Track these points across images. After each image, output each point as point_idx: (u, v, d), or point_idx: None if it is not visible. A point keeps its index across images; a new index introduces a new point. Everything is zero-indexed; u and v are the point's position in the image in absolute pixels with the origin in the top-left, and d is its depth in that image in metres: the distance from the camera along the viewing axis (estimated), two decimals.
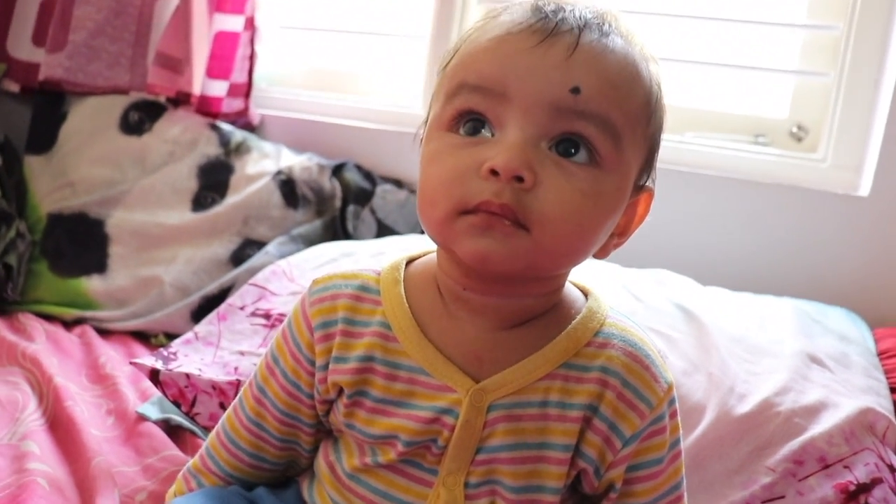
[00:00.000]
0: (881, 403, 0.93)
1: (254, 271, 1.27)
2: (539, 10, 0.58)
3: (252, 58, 1.59)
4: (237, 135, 1.53)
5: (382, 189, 1.50)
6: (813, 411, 0.87)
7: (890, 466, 0.84)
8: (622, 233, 0.63)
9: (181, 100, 1.55)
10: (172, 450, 0.92)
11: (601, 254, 0.62)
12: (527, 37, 0.56)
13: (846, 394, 0.92)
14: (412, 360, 0.61)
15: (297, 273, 1.16)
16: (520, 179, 0.54)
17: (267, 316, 1.09)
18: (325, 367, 0.64)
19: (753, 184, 1.39)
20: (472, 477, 0.61)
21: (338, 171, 1.50)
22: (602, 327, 0.62)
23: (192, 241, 1.41)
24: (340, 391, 0.63)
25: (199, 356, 1.04)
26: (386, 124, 1.60)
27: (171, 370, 0.99)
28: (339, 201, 1.47)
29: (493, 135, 0.56)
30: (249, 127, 1.63)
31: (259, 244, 1.41)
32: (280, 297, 1.11)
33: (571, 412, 0.60)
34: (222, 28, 1.55)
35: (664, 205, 1.42)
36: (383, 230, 1.46)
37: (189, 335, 1.09)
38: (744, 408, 0.87)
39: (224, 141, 1.51)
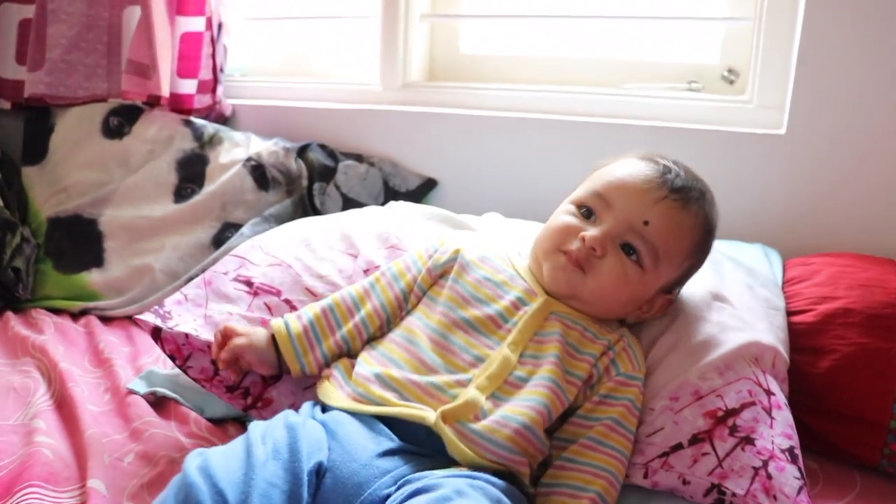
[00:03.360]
0: (774, 332, 1.05)
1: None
2: (656, 164, 0.98)
3: (214, 55, 1.72)
4: (209, 128, 1.67)
5: (344, 165, 1.63)
6: (693, 352, 0.99)
7: (767, 391, 0.95)
8: (646, 312, 1.00)
9: (153, 102, 1.69)
10: (152, 416, 1.08)
11: (630, 318, 1.01)
12: (640, 182, 0.96)
13: (738, 328, 1.02)
14: (518, 273, 1.00)
15: (272, 247, 1.22)
16: (594, 250, 0.93)
17: (249, 283, 1.14)
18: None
19: (687, 131, 1.47)
20: (528, 350, 0.92)
21: (302, 152, 1.63)
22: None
23: (176, 230, 1.55)
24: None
25: (191, 316, 1.11)
26: (344, 103, 1.73)
27: (171, 329, 1.07)
28: (305, 180, 1.60)
29: (595, 220, 0.96)
30: (223, 118, 1.77)
31: (237, 226, 1.54)
32: (259, 268, 1.17)
33: (599, 340, 0.95)
34: (187, 29, 1.68)
35: (605, 156, 1.54)
36: (348, 203, 1.60)
37: (179, 296, 1.15)
38: None
39: (197, 135, 1.65)
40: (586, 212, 0.98)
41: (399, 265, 1.05)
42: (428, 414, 0.84)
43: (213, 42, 1.72)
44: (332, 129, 1.71)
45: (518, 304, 0.95)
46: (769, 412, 0.93)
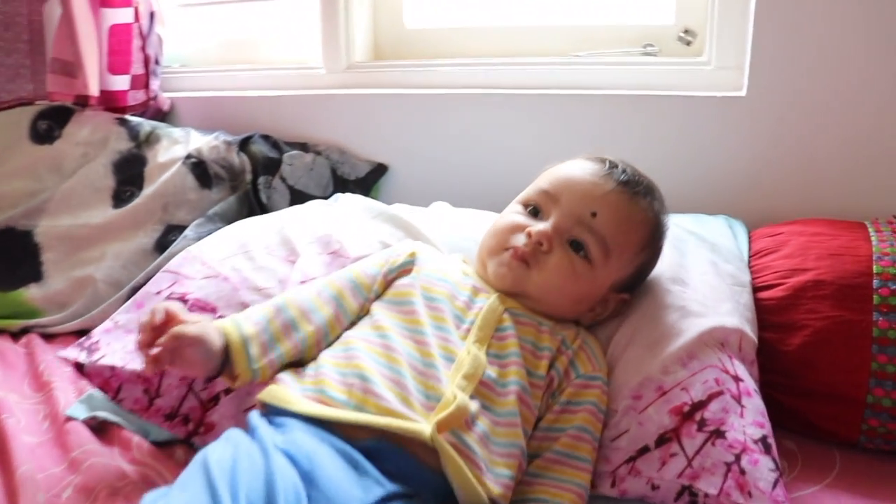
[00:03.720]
0: (740, 311, 1.00)
1: (175, 256, 1.32)
2: (602, 162, 0.97)
3: (145, 48, 1.62)
4: (146, 125, 1.58)
5: (289, 156, 1.55)
6: (654, 344, 0.93)
7: (735, 377, 0.90)
8: (599, 314, 0.97)
9: (84, 102, 1.59)
10: (93, 443, 1.00)
11: (584, 319, 0.97)
12: (587, 175, 0.95)
13: (699, 313, 0.97)
14: (467, 274, 0.98)
15: (209, 256, 1.16)
16: (540, 244, 0.91)
17: (183, 300, 1.08)
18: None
19: (644, 97, 1.41)
20: (491, 348, 0.87)
21: (244, 144, 1.55)
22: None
23: (117, 237, 1.47)
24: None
25: (120, 344, 1.06)
26: (287, 89, 1.64)
27: (94, 363, 1.03)
28: (249, 174, 1.52)
29: (542, 217, 0.95)
30: (160, 114, 1.67)
31: (181, 228, 1.46)
32: (194, 282, 1.11)
33: (556, 336, 0.92)
34: (114, 22, 1.58)
35: (560, 129, 1.47)
36: (296, 195, 1.52)
37: (108, 324, 1.11)
38: None
39: (133, 134, 1.56)
40: (533, 210, 0.97)
41: (358, 274, 0.97)
42: (422, 427, 0.76)
43: (143, 34, 1.63)
44: (275, 118, 1.63)
45: (470, 304, 0.92)
46: (738, 400, 0.88)
